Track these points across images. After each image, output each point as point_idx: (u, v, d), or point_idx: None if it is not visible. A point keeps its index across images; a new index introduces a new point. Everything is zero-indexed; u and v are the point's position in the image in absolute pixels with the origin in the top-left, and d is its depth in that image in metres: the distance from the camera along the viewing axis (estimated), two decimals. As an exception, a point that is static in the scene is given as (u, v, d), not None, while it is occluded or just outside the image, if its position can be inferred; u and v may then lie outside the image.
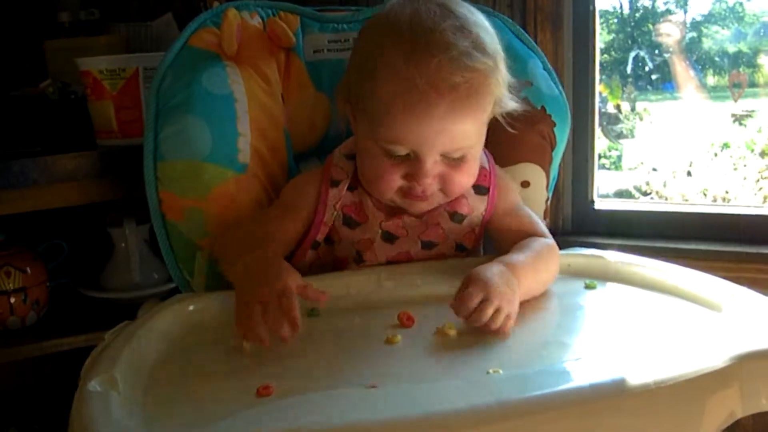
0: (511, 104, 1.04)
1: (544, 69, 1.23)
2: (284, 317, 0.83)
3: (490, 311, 0.85)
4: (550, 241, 1.06)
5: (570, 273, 1.07)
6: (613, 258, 1.08)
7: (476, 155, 1.02)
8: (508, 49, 1.18)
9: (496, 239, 1.10)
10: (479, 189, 1.07)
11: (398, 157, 0.98)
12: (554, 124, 1.20)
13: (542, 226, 1.09)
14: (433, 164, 0.97)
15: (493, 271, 0.91)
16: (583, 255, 1.11)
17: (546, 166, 1.20)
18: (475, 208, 1.07)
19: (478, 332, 0.87)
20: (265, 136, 1.12)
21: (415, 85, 0.92)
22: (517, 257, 0.98)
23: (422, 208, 1.04)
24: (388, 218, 1.05)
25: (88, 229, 1.55)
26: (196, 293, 1.07)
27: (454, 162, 0.99)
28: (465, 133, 0.96)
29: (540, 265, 1.00)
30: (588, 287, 1.03)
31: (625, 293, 1.01)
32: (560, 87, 1.23)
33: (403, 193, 1.01)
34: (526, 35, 1.24)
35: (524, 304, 0.93)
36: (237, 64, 1.13)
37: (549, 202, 1.23)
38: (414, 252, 1.07)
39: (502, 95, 1.01)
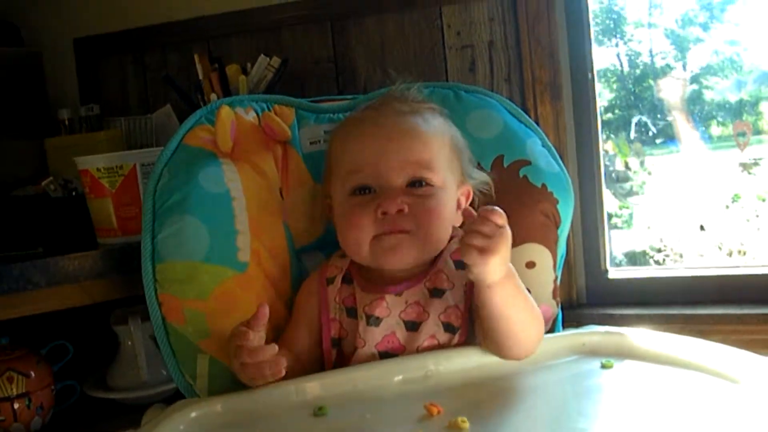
0: (481, 175, 1.11)
1: (543, 146, 1.20)
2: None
3: (479, 244, 0.89)
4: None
5: (585, 352, 1.05)
6: (628, 334, 1.06)
7: (442, 196, 1.04)
8: (506, 130, 1.19)
9: None
10: (460, 264, 1.04)
11: (366, 195, 1.03)
12: (557, 201, 1.17)
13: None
14: (397, 187, 1.02)
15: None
16: (597, 333, 1.09)
17: (551, 245, 1.16)
18: (456, 283, 1.04)
19: (491, 423, 0.88)
20: (264, 233, 1.11)
21: (364, 117, 1.07)
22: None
23: (401, 258, 1.02)
24: (371, 300, 1.03)
25: (92, 327, 1.53)
26: (198, 398, 1.03)
27: (419, 192, 1.02)
28: (418, 150, 1.02)
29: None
30: (604, 367, 1.00)
31: (642, 371, 0.99)
32: (561, 163, 1.21)
33: (377, 238, 1.01)
34: (524, 114, 1.23)
35: (540, 387, 0.93)
36: (233, 160, 1.12)
37: (558, 281, 1.19)
38: (401, 336, 1.03)
39: (461, 152, 1.09)
